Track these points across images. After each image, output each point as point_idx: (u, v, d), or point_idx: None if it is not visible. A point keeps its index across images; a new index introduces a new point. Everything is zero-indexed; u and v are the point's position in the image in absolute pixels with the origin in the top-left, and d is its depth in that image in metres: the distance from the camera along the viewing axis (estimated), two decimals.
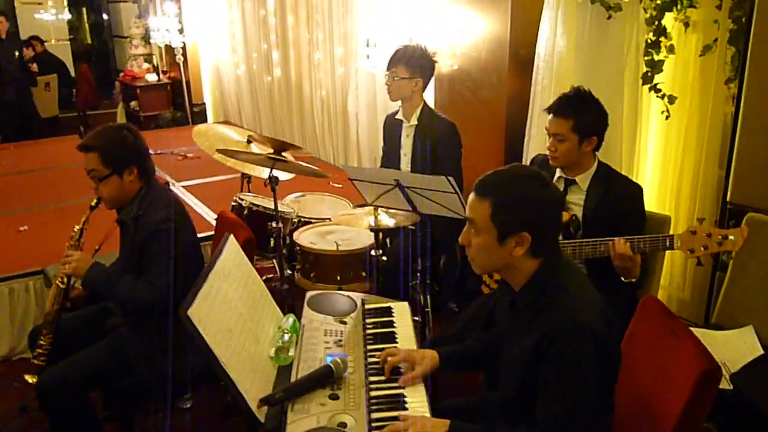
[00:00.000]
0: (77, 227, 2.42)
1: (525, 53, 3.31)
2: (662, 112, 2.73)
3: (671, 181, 3.10)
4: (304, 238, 3.06)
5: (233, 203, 3.20)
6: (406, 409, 1.64)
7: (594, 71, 2.83)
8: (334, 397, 1.64)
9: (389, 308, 2.17)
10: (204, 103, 8.75)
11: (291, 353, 1.80)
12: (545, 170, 2.68)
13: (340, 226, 3.23)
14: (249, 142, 3.44)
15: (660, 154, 3.09)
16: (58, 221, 4.45)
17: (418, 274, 3.20)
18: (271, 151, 2.73)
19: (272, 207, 3.01)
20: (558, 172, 2.61)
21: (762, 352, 2.29)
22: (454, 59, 3.75)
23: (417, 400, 1.69)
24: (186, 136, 7.43)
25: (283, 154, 2.69)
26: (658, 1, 2.61)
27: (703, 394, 1.53)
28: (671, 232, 2.51)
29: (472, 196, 1.59)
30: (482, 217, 1.54)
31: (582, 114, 2.37)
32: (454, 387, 2.76)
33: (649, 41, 2.63)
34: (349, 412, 1.59)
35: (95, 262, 2.32)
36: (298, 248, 3.02)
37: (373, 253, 2.77)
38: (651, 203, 2.99)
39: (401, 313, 2.15)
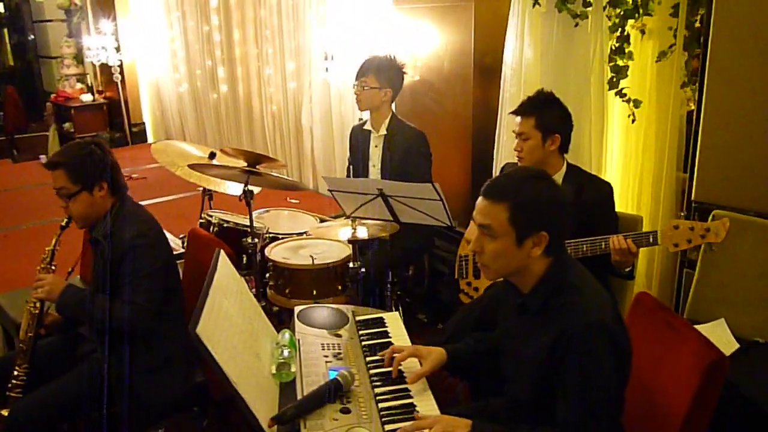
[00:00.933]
0: (48, 248, 2.29)
1: (490, 62, 3.35)
2: (628, 116, 2.81)
3: (632, 183, 3.19)
4: (276, 253, 2.98)
5: (201, 220, 3.09)
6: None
7: (561, 78, 2.90)
8: (345, 411, 1.59)
9: (381, 319, 2.13)
10: (143, 123, 8.50)
11: (293, 369, 1.74)
12: None
13: (310, 240, 3.17)
14: (212, 157, 3.35)
15: (621, 157, 3.18)
16: (2, 248, 4.20)
17: (388, 285, 3.18)
18: (245, 164, 2.65)
19: (243, 223, 2.93)
20: None
21: (737, 345, 2.37)
22: (416, 70, 3.77)
23: (427, 409, 1.65)
24: (127, 157, 7.24)
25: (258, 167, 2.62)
26: (620, 10, 2.69)
27: (712, 386, 1.56)
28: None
29: (483, 202, 1.57)
30: (499, 221, 1.53)
31: (543, 111, 2.44)
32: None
33: (613, 48, 2.71)
34: (364, 426, 1.54)
35: (68, 285, 2.20)
36: (270, 264, 2.94)
37: (352, 265, 2.72)
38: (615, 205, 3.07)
39: (393, 322, 2.12)
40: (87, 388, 2.18)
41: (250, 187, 2.62)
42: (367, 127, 3.25)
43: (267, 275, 3.01)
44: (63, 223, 2.29)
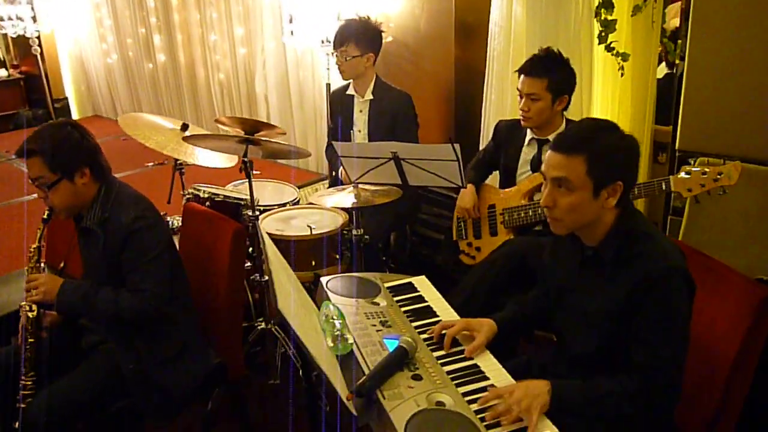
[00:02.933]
0: (33, 246, 2.09)
1: (472, 20, 3.32)
2: (618, 70, 2.87)
3: None
4: (268, 225, 2.88)
5: (188, 195, 2.93)
6: (487, 377, 1.61)
7: (550, 33, 2.91)
8: (417, 377, 1.57)
9: (410, 284, 2.11)
10: (66, 98, 7.96)
11: (350, 340, 1.69)
12: (513, 133, 2.74)
13: (298, 209, 3.09)
14: (184, 128, 3.17)
15: (599, 111, 3.25)
16: None
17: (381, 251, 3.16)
18: (242, 133, 2.52)
19: (234, 195, 2.81)
20: (529, 134, 2.66)
21: None
22: (389, 30, 3.68)
23: (492, 367, 1.66)
24: None
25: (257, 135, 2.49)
26: None
27: (763, 322, 1.63)
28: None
29: (557, 155, 1.55)
30: (577, 174, 1.52)
31: (555, 73, 2.44)
32: None
33: (600, 1, 2.74)
34: (440, 390, 1.53)
35: (65, 281, 2.02)
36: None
37: (355, 232, 2.66)
38: None
39: (424, 287, 2.10)
40: (101, 382, 2.05)
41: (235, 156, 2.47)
42: (350, 92, 3.16)
43: (257, 248, 2.91)
44: (45, 216, 2.08)
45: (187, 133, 3.15)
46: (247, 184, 3.52)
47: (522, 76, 2.50)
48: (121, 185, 2.15)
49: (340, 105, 3.21)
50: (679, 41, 2.91)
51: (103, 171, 2.09)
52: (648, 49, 3.02)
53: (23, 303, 2.06)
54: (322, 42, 3.75)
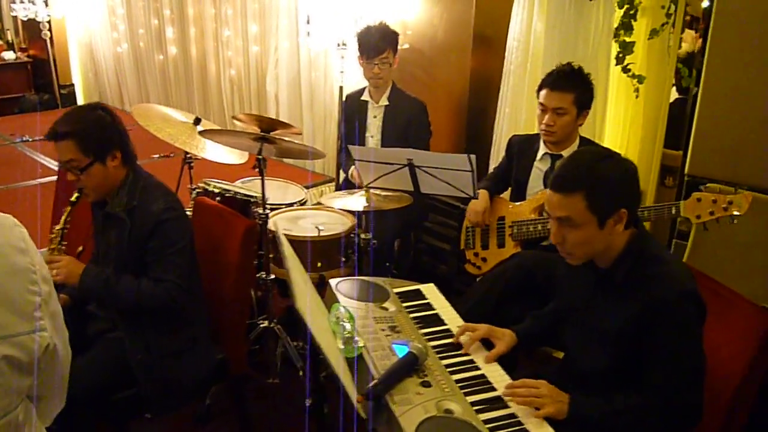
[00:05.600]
0: (57, 228, 2.08)
1: (491, 33, 3.34)
2: (634, 91, 2.89)
3: None
4: (275, 224, 2.89)
5: (197, 190, 2.94)
6: (494, 388, 1.62)
7: (568, 51, 2.93)
8: (426, 384, 1.58)
9: (419, 291, 2.12)
10: (72, 84, 7.95)
11: (361, 343, 1.70)
12: (526, 147, 2.76)
13: (307, 210, 3.10)
14: (197, 122, 3.18)
15: (610, 132, 3.28)
16: None
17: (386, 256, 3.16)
18: (258, 130, 2.53)
19: (244, 192, 2.82)
20: (542, 149, 2.68)
21: None
22: (405, 38, 3.70)
23: (500, 379, 1.67)
24: None
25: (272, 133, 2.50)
26: None
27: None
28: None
29: (556, 195, 1.57)
30: (578, 211, 1.54)
31: (581, 87, 2.46)
32: None
33: (620, 23, 2.77)
34: (449, 398, 1.54)
35: (87, 266, 2.03)
36: (271, 235, 2.85)
37: (363, 236, 2.68)
38: None
39: (432, 294, 2.11)
40: (109, 370, 2.05)
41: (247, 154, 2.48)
42: (365, 97, 3.18)
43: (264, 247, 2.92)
44: (73, 198, 2.08)
45: (200, 128, 3.17)
46: (255, 181, 3.57)
47: (545, 90, 2.51)
48: (148, 174, 2.17)
49: (354, 110, 3.23)
50: (694, 68, 2.93)
51: (131, 157, 2.11)
52: (662, 73, 3.05)
53: None
54: (339, 45, 3.77)
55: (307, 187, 3.76)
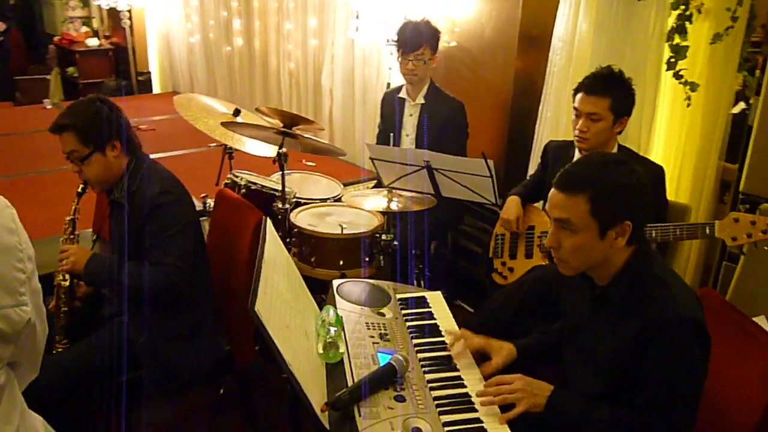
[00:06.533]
0: (68, 218, 2.18)
1: (537, 32, 3.20)
2: (685, 99, 2.69)
3: (673, 169, 3.08)
4: (301, 219, 2.86)
5: (227, 181, 2.96)
6: (476, 409, 1.52)
7: (616, 54, 2.75)
8: (400, 398, 1.50)
9: (423, 298, 2.04)
10: (149, 72, 8.25)
11: (341, 349, 1.64)
12: (561, 153, 2.61)
13: (336, 207, 3.06)
14: (236, 114, 3.20)
15: (664, 142, 3.06)
16: (7, 195, 4.06)
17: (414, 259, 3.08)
18: (281, 125, 2.52)
19: (271, 186, 2.81)
20: (577, 155, 2.52)
21: None
22: (452, 35, 3.60)
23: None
24: (135, 106, 7.02)
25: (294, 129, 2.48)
26: None
27: None
28: (691, 221, 2.50)
29: (557, 194, 1.47)
30: (579, 215, 1.43)
31: (618, 92, 2.29)
32: None
33: (674, 26, 2.57)
34: (421, 416, 1.45)
35: (93, 254, 2.10)
36: (296, 230, 2.82)
37: (384, 237, 2.61)
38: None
39: (436, 302, 2.02)
40: (113, 353, 2.09)
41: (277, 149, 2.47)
42: (402, 95, 3.11)
43: (289, 241, 2.90)
44: (79, 189, 2.17)
45: (239, 119, 3.19)
46: (292, 175, 3.57)
47: (580, 94, 2.35)
48: (152, 162, 2.22)
49: (390, 108, 3.16)
50: (744, 73, 2.69)
51: (133, 146, 2.16)
52: (724, 81, 2.81)
53: (55, 273, 2.14)
54: (387, 41, 3.71)
55: (348, 184, 3.73)
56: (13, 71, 8.37)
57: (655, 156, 2.98)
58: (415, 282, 3.05)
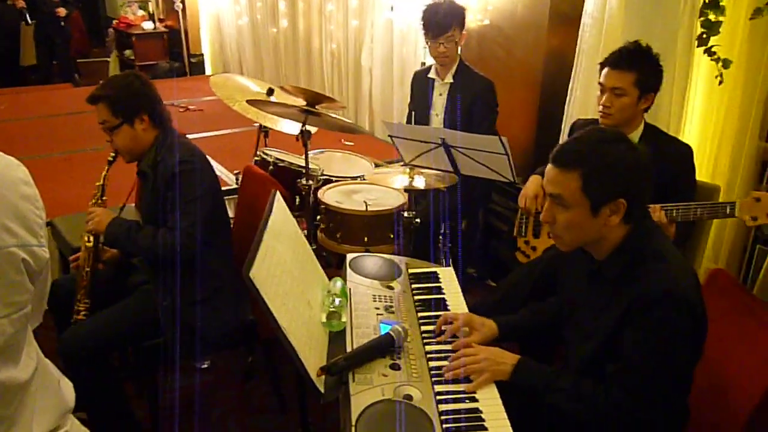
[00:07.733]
0: (98, 183, 2.31)
1: (567, 9, 3.14)
2: (716, 77, 2.60)
3: (710, 149, 2.99)
4: (329, 196, 2.93)
5: (256, 158, 3.05)
6: (470, 380, 1.55)
7: (646, 31, 2.67)
8: (395, 367, 1.54)
9: (435, 273, 2.07)
10: (202, 54, 8.46)
11: (343, 319, 1.70)
12: None
13: (364, 185, 3.11)
14: (270, 93, 3.28)
15: (700, 121, 2.97)
16: (64, 171, 4.28)
17: (440, 237, 3.10)
18: (304, 103, 2.57)
19: (298, 163, 2.87)
20: None
21: None
22: (485, 14, 3.57)
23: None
24: (186, 87, 7.24)
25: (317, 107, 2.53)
26: None
27: None
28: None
29: (552, 169, 1.47)
30: (571, 191, 1.43)
31: (644, 66, 2.24)
32: None
33: (707, 1, 2.49)
34: (414, 384, 1.49)
35: (115, 216, 2.22)
36: (322, 207, 2.89)
37: (406, 214, 2.65)
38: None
39: (447, 278, 2.05)
40: (136, 318, 2.22)
41: (308, 127, 2.53)
42: (432, 75, 3.12)
43: (317, 218, 2.98)
44: (110, 158, 2.30)
45: (273, 99, 3.26)
46: (326, 153, 3.63)
47: (606, 69, 2.30)
48: (180, 136, 2.32)
49: (420, 88, 3.18)
50: None
51: (161, 119, 2.26)
52: (763, 58, 2.70)
53: (82, 235, 2.29)
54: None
55: (389, 163, 3.76)
56: (76, 55, 8.73)
57: (689, 137, 2.90)
58: (443, 260, 3.07)
